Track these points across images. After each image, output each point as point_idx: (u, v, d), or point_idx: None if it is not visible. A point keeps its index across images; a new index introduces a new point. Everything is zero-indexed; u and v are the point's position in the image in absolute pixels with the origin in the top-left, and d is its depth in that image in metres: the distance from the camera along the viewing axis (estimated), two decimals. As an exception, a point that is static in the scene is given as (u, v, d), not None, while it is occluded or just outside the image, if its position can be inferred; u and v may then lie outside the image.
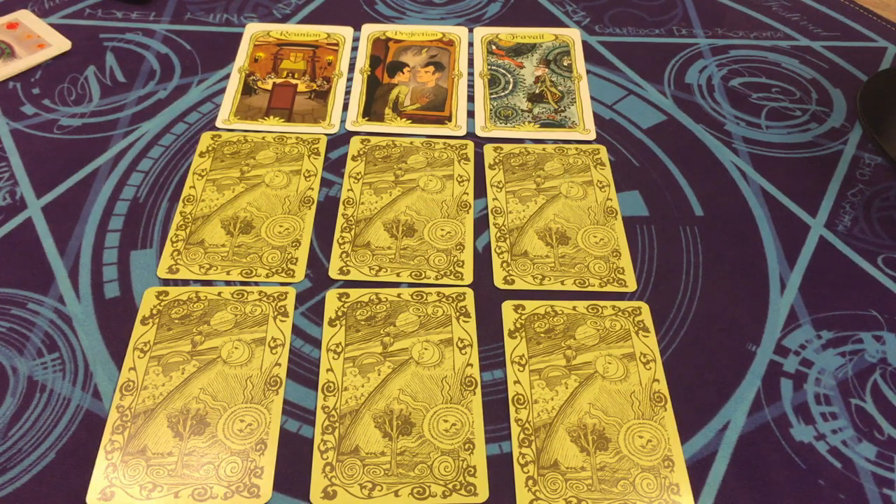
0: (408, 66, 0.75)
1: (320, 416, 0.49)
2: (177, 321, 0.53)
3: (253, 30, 0.78)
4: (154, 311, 0.54)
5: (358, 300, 0.55)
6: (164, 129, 0.67)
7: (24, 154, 0.65)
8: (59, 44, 0.75)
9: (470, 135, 0.68)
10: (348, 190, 0.63)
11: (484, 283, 0.57)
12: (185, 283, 0.56)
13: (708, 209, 0.63)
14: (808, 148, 0.69)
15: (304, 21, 0.80)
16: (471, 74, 0.74)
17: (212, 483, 0.45)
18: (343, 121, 0.69)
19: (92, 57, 0.74)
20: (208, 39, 0.77)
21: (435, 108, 0.71)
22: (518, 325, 0.54)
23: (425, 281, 0.56)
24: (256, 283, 0.56)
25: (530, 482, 0.46)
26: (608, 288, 0.56)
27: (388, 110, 0.70)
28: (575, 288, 0.56)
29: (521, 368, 0.51)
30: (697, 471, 0.48)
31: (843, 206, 0.64)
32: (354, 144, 0.67)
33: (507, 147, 0.67)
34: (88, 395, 0.50)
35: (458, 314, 0.54)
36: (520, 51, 0.77)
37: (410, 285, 0.56)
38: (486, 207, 0.62)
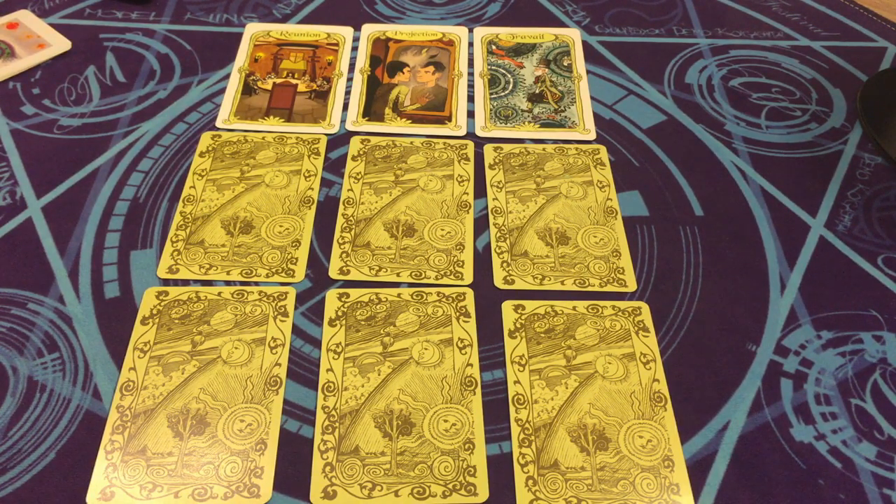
0: (408, 66, 0.75)
1: (320, 416, 0.49)
2: (177, 321, 0.53)
3: (253, 30, 0.78)
4: (154, 311, 0.54)
5: (358, 300, 0.55)
6: (164, 129, 0.67)
7: (24, 154, 0.65)
8: (59, 44, 0.75)
9: (470, 135, 0.68)
10: (348, 190, 0.63)
11: (484, 283, 0.57)
12: (185, 283, 0.56)
13: (708, 209, 0.63)
14: (808, 148, 0.69)
15: (304, 21, 0.80)
16: (471, 74, 0.74)
17: (212, 483, 0.45)
18: (343, 121, 0.69)
19: (92, 57, 0.74)
20: (208, 39, 0.77)
21: (435, 108, 0.71)
22: (518, 325, 0.54)
23: (425, 281, 0.56)
24: (256, 283, 0.56)
25: (530, 482, 0.46)
26: (608, 288, 0.56)
27: (388, 110, 0.70)
28: (575, 288, 0.56)
29: (521, 368, 0.51)
30: (697, 471, 0.48)
31: (843, 206, 0.64)
32: (354, 144, 0.67)
33: (507, 147, 0.67)
34: (88, 395, 0.50)
35: (458, 314, 0.54)
36: (520, 51, 0.77)
37: (410, 285, 0.56)
38: (486, 207, 0.62)
